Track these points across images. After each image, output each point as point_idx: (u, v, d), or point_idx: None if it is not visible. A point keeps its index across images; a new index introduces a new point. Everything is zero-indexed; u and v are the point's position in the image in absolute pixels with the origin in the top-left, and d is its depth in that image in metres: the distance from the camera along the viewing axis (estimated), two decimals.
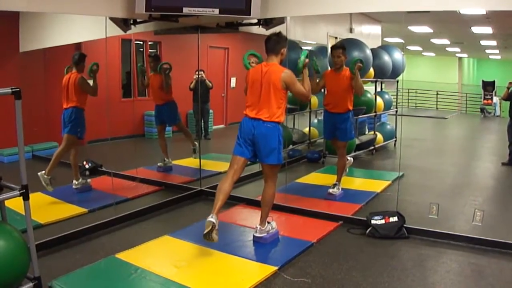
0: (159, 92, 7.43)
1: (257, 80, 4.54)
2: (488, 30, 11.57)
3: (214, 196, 6.01)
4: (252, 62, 4.81)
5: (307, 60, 4.79)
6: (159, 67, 7.31)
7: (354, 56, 7.51)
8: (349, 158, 6.74)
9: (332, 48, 6.35)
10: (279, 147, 4.56)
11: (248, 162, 4.76)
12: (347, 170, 6.72)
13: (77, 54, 6.18)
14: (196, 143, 7.75)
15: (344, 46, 6.19)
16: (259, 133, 4.49)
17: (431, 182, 7.59)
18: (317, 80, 6.13)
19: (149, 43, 9.42)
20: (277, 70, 4.50)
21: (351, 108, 6.17)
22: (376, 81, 9.69)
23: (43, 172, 5.93)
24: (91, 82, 6.16)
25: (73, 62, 6.15)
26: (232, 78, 10.91)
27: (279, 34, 4.65)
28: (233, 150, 4.64)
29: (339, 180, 6.37)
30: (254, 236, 4.71)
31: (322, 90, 6.58)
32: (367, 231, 4.95)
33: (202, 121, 9.47)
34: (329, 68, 7.69)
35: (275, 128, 4.52)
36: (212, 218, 4.19)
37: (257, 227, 4.72)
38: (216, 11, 5.18)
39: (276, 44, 4.58)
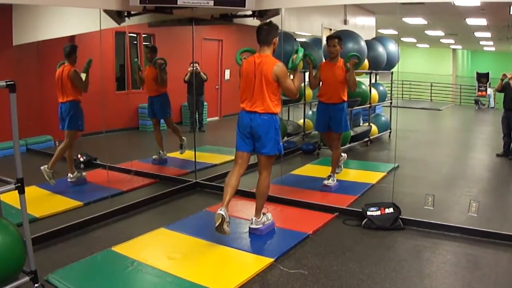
0: (153, 84, 7.39)
1: (250, 72, 4.51)
2: (482, 21, 11.58)
3: (210, 189, 6.07)
4: (245, 58, 4.73)
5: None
6: (153, 62, 7.26)
7: (349, 48, 7.51)
8: (342, 154, 6.73)
9: (327, 38, 6.29)
10: (276, 137, 4.57)
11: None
12: (342, 166, 6.72)
13: (68, 46, 6.10)
14: (184, 138, 7.74)
15: (339, 36, 6.16)
16: (256, 125, 4.49)
17: (426, 173, 7.62)
18: (314, 74, 6.10)
19: (143, 35, 9.39)
20: (270, 62, 4.45)
21: (345, 99, 6.16)
22: (370, 73, 9.70)
23: (46, 166, 5.92)
24: (83, 76, 6.11)
25: (64, 55, 6.10)
26: (226, 70, 10.89)
27: (270, 24, 4.61)
28: (236, 146, 4.66)
29: (333, 171, 6.37)
30: (249, 227, 4.71)
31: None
32: (363, 223, 4.96)
33: (197, 113, 9.46)
34: (324, 60, 7.68)
35: (271, 119, 4.51)
36: (221, 211, 4.24)
37: (252, 219, 4.73)
38: (211, 2, 5.16)
39: (267, 34, 4.52)
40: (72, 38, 7.09)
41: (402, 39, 17.17)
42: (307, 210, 5.45)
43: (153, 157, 7.71)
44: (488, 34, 15.19)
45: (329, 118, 6.20)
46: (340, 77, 6.02)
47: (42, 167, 5.88)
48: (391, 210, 4.96)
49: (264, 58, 4.48)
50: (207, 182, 6.40)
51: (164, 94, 7.48)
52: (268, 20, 4.71)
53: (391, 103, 10.61)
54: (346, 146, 8.41)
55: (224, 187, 4.57)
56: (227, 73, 10.87)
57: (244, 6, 5.26)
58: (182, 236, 4.63)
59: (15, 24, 6.93)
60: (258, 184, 4.73)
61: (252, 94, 4.50)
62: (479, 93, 20.55)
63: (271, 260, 4.07)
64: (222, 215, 4.21)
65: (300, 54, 4.66)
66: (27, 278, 3.20)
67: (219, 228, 4.22)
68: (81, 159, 7.23)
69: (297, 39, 8.63)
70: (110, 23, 5.46)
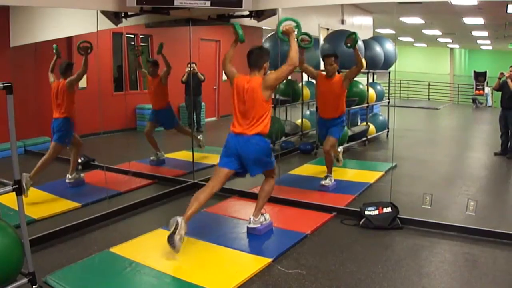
0: (156, 97, 7.52)
1: (239, 95, 4.50)
2: (479, 20, 11.56)
3: None
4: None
5: (287, 27, 4.56)
6: (159, 46, 7.37)
7: (347, 48, 7.51)
8: (339, 149, 6.78)
9: (324, 56, 6.40)
10: (266, 157, 4.57)
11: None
12: (342, 159, 6.74)
13: (64, 63, 6.12)
14: (200, 137, 7.82)
15: (336, 54, 6.30)
16: (245, 148, 4.46)
17: (424, 172, 7.62)
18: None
19: (140, 36, 9.37)
20: (256, 82, 4.43)
21: (343, 112, 6.36)
22: (368, 72, 9.68)
23: (28, 174, 5.79)
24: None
25: (60, 72, 6.09)
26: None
27: (261, 48, 4.61)
28: (219, 161, 4.61)
29: (330, 171, 6.39)
30: (247, 227, 4.72)
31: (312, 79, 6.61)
32: (361, 222, 4.97)
33: (194, 114, 9.45)
34: (321, 61, 7.68)
35: (260, 141, 4.48)
36: (178, 218, 4.12)
37: (250, 218, 4.73)
38: (208, 3, 5.17)
39: (258, 58, 4.51)
40: (69, 39, 7.07)
41: (399, 38, 17.12)
42: (305, 210, 5.46)
43: (151, 158, 7.71)
44: (485, 33, 15.17)
45: (326, 130, 6.38)
46: (336, 92, 6.18)
47: (24, 174, 5.77)
48: (389, 209, 4.96)
49: (252, 82, 4.45)
50: (205, 183, 6.36)
51: (168, 105, 7.61)
52: (260, 45, 4.71)
53: (388, 102, 10.60)
54: (344, 146, 8.41)
55: (191, 199, 4.44)
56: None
57: (241, 7, 5.27)
58: None
59: (12, 25, 6.90)
60: (263, 184, 4.80)
61: (242, 117, 4.49)
62: (477, 92, 20.48)
63: (269, 260, 4.08)
64: (177, 221, 4.08)
65: (280, 26, 4.59)
66: (25, 280, 3.21)
67: (169, 238, 4.06)
68: (79, 160, 7.21)
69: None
70: (107, 24, 5.46)
